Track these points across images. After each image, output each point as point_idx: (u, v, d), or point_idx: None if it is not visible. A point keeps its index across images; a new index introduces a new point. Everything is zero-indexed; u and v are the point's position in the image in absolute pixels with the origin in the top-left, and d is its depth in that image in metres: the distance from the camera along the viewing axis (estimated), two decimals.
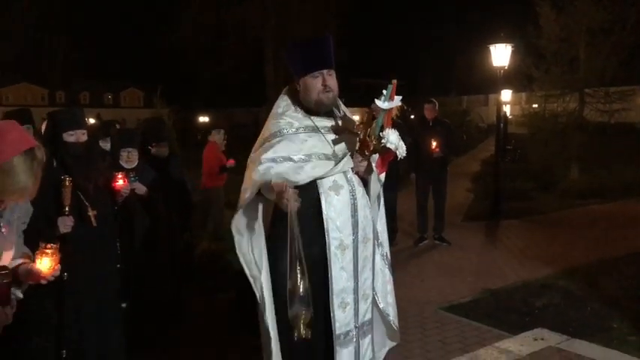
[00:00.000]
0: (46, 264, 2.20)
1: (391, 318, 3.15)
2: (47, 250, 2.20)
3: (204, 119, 52.16)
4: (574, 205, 11.59)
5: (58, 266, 2.23)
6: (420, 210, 8.28)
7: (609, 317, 4.98)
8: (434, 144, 7.70)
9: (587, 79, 14.56)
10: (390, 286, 3.16)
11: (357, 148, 2.81)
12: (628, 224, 9.19)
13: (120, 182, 3.61)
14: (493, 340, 4.55)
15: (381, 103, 2.69)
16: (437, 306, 5.53)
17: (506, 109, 19.67)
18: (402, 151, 2.79)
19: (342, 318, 2.84)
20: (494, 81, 10.84)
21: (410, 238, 8.34)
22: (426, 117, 8.10)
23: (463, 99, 39.14)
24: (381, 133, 2.71)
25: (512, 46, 10.38)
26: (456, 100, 34.60)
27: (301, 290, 2.45)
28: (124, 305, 3.64)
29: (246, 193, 2.76)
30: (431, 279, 6.49)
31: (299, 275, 2.46)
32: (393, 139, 2.73)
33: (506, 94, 16.02)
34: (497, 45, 10.24)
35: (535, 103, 16.82)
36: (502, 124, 12.98)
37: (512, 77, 14.52)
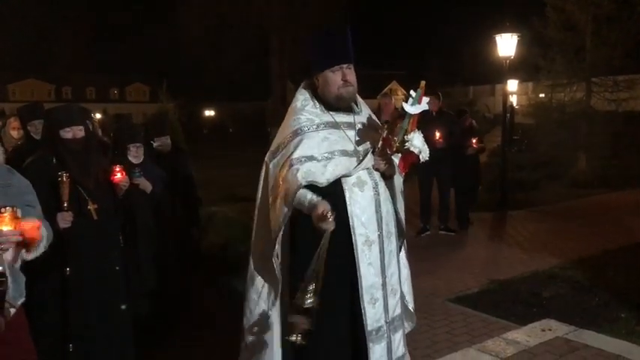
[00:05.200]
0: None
1: (410, 305, 3.18)
2: (4, 215, 2.10)
3: (209, 113, 52.31)
4: (581, 195, 11.54)
5: (20, 229, 2.15)
6: (423, 201, 8.29)
7: (617, 307, 4.96)
8: (437, 135, 7.69)
9: (593, 68, 14.45)
10: (409, 278, 3.19)
11: (379, 146, 2.80)
12: (636, 214, 9.14)
13: (118, 175, 3.60)
14: (500, 331, 4.54)
15: (408, 107, 2.68)
16: (444, 297, 5.53)
17: (513, 100, 19.60)
18: (425, 155, 2.79)
19: (372, 314, 2.83)
20: (501, 71, 10.79)
21: (415, 230, 8.33)
22: (430, 109, 8.07)
23: (469, 89, 38.93)
24: (405, 137, 2.71)
25: (518, 36, 10.32)
26: (463, 91, 34.42)
27: (308, 303, 2.45)
28: (123, 307, 3.60)
29: (283, 208, 2.74)
30: (438, 270, 6.47)
31: (311, 291, 2.47)
32: (417, 142, 2.73)
33: (512, 84, 15.97)
34: (503, 35, 10.19)
35: (542, 93, 16.72)
36: (509, 115, 12.94)
37: (519, 67, 14.45)
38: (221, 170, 15.72)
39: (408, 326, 3.25)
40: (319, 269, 2.48)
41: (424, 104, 2.71)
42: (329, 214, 2.53)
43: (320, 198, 2.65)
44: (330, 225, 2.54)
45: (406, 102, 2.69)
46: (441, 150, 7.80)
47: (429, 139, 7.91)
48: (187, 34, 29.84)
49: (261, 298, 2.94)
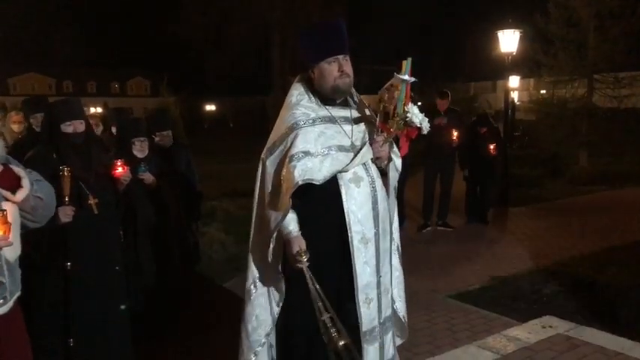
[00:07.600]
0: None
1: (402, 314, 3.08)
2: None
3: (210, 107, 52.35)
4: (582, 192, 11.53)
5: (9, 233, 2.08)
6: (427, 197, 8.30)
7: (618, 304, 4.95)
8: (455, 134, 7.78)
9: (595, 64, 14.43)
10: (402, 282, 3.11)
11: (375, 135, 2.73)
12: (637, 211, 9.13)
13: (119, 170, 3.58)
14: (501, 327, 4.54)
15: (401, 76, 2.60)
16: (445, 294, 5.52)
17: (514, 96, 19.55)
18: (426, 125, 2.69)
19: (367, 314, 2.76)
20: (502, 67, 10.77)
21: (416, 225, 8.34)
22: (439, 108, 8.13)
23: (471, 85, 38.90)
24: (405, 107, 2.62)
25: (521, 32, 10.30)
26: (464, 87, 34.42)
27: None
28: (122, 307, 3.59)
29: (285, 202, 2.64)
30: (439, 267, 6.48)
31: (325, 313, 2.52)
32: (417, 112, 2.64)
33: (514, 81, 15.92)
34: (505, 31, 10.17)
35: (543, 89, 16.71)
36: (510, 111, 12.92)
37: (520, 63, 14.42)
38: (222, 165, 15.71)
39: (398, 339, 3.15)
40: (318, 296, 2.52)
41: (412, 77, 2.63)
42: (303, 254, 2.55)
43: (298, 233, 2.64)
44: (302, 265, 2.55)
45: (398, 74, 2.63)
46: (447, 147, 7.89)
47: (435, 136, 7.95)
48: (189, 28, 29.78)
49: (263, 302, 2.86)
